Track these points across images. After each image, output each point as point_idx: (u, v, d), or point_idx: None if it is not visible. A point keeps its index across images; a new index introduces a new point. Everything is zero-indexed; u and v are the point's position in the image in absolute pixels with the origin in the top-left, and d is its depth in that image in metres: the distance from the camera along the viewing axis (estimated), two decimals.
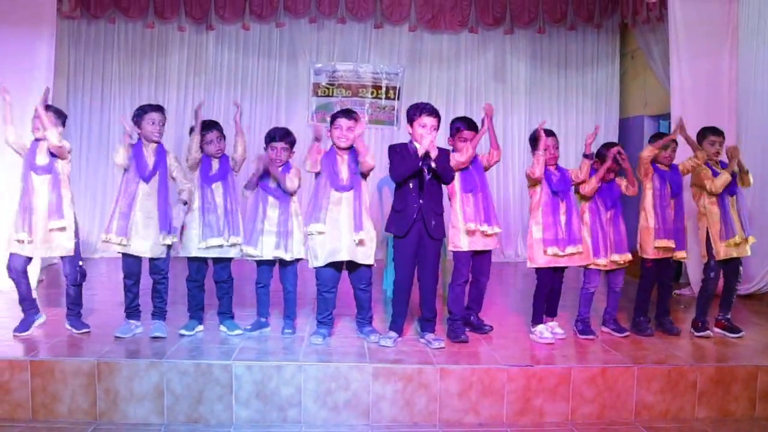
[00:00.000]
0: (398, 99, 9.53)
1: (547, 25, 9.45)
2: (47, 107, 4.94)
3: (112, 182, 8.89)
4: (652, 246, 5.31)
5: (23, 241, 4.81)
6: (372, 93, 9.52)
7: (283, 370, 4.35)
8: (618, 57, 9.77)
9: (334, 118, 5.01)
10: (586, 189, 5.20)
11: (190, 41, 9.27)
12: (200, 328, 5.08)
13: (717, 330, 5.39)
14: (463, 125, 5.19)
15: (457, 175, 5.08)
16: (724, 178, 5.27)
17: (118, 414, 4.28)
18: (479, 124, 5.23)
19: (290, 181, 5.00)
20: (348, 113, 5.02)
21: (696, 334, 5.32)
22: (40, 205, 4.84)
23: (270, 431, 4.24)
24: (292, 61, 9.45)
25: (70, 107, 8.82)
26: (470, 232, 5.04)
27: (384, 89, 9.55)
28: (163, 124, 5.03)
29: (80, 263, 5.09)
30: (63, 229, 4.91)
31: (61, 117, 5.04)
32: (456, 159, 5.06)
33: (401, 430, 4.28)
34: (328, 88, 9.49)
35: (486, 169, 5.29)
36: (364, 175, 4.97)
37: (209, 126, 5.07)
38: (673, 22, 6.99)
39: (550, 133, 5.19)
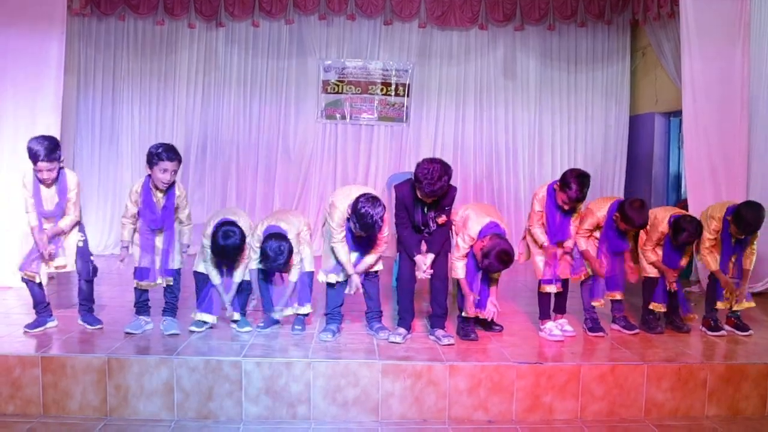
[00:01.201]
0: (408, 96, 9.51)
1: (558, 22, 9.42)
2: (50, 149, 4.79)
3: (122, 179, 8.95)
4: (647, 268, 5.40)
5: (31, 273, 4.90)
6: (381, 90, 9.50)
7: (292, 367, 4.36)
8: (629, 54, 9.71)
9: (357, 225, 4.67)
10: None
11: (199, 38, 9.27)
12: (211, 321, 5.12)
13: (726, 327, 5.37)
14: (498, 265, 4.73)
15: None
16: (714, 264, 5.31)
17: (128, 410, 4.30)
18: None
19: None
20: (368, 229, 4.68)
21: (710, 333, 5.29)
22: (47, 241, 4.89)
23: (279, 427, 4.25)
24: (301, 58, 9.44)
25: (80, 104, 8.88)
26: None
27: (393, 86, 9.53)
28: (176, 172, 4.91)
29: (91, 258, 5.11)
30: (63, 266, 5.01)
31: (55, 154, 4.76)
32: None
33: (410, 427, 4.29)
34: (337, 85, 9.48)
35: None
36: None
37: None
38: (685, 19, 6.93)
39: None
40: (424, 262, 4.87)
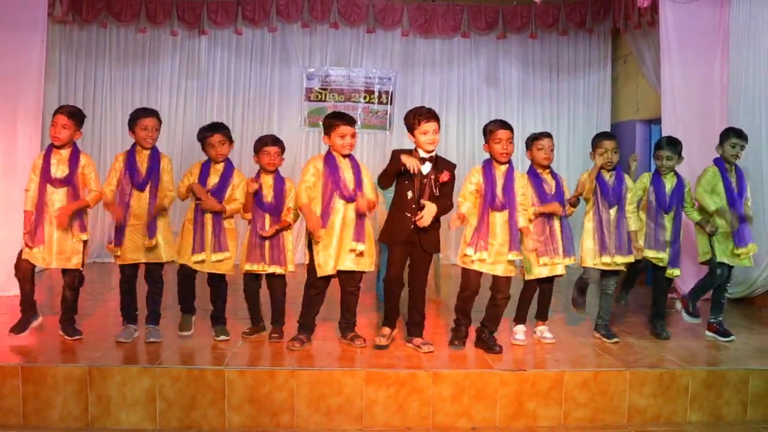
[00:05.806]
0: (391, 104, 9.54)
1: (539, 30, 9.48)
2: (71, 111, 4.91)
3: None
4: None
5: (37, 253, 4.76)
6: (365, 98, 9.53)
7: (275, 376, 4.34)
8: (610, 62, 9.79)
9: (334, 125, 4.88)
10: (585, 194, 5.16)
11: (182, 46, 9.27)
12: (192, 318, 5.18)
13: (708, 333, 5.42)
14: (496, 126, 4.94)
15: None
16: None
17: (110, 420, 4.26)
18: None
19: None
20: (348, 120, 4.94)
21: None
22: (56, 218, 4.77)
23: None
24: (284, 65, 9.46)
25: None
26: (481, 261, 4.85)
27: (377, 94, 9.56)
28: (158, 130, 5.00)
29: (81, 269, 5.00)
30: (85, 243, 4.92)
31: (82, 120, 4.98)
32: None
33: None
34: (320, 93, 9.49)
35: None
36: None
37: (214, 128, 5.12)
38: (665, 28, 7.01)
39: (545, 135, 5.21)
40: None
